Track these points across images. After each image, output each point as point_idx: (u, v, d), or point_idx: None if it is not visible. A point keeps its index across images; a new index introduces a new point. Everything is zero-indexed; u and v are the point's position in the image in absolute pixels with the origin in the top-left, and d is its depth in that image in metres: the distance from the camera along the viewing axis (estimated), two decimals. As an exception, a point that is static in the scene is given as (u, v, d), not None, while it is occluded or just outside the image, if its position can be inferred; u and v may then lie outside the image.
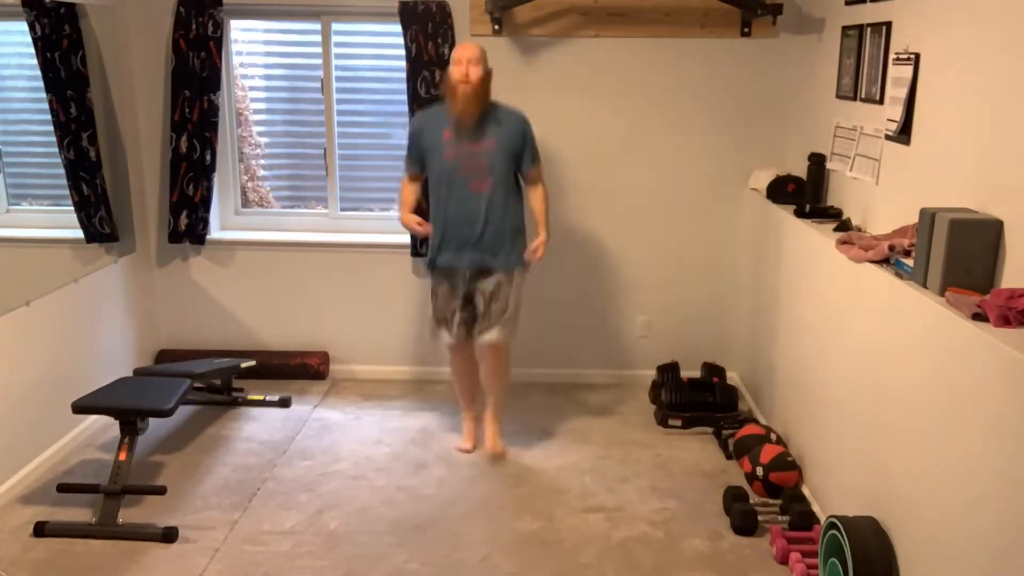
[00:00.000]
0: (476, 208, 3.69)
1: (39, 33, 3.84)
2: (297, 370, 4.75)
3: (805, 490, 3.53)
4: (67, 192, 4.09)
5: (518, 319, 3.83)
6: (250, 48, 4.79)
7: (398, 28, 4.42)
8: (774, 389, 4.05)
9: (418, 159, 3.80)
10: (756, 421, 4.10)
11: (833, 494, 3.25)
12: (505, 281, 3.75)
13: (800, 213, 3.75)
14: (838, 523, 2.73)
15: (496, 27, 4.40)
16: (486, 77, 3.64)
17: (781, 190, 4.10)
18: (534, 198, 3.83)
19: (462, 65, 3.60)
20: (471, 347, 3.90)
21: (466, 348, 3.91)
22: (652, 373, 4.68)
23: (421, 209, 3.91)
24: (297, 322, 4.83)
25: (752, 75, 4.44)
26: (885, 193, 3.23)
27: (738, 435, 3.89)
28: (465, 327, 3.83)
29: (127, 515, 3.38)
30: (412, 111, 4.42)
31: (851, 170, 3.53)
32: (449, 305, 3.82)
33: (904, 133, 3.04)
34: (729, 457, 3.93)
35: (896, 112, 3.09)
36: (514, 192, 3.78)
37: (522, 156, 3.74)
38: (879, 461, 2.81)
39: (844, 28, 3.68)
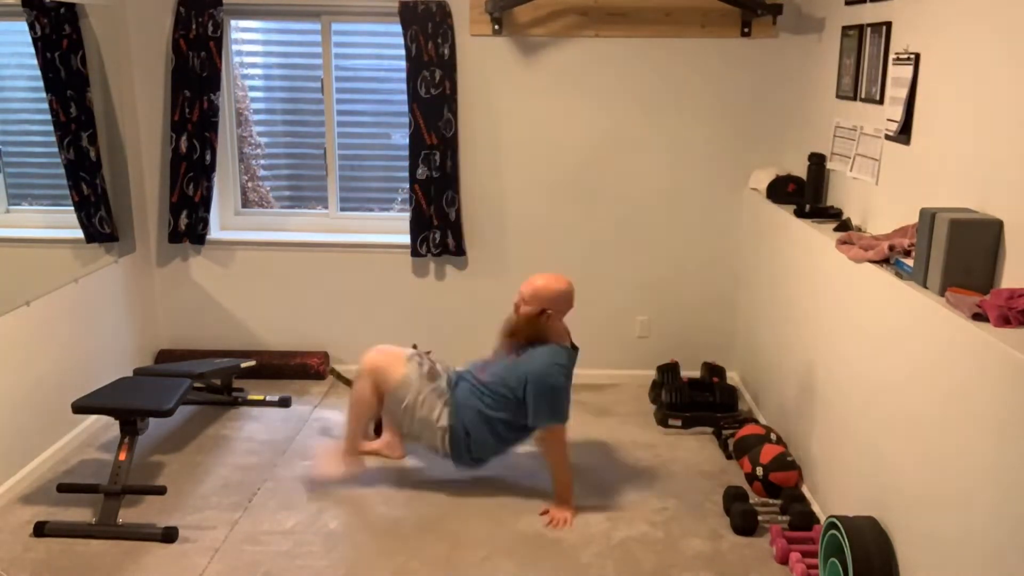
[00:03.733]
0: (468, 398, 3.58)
1: (39, 33, 3.84)
2: (297, 370, 4.75)
3: (805, 490, 3.53)
4: (67, 192, 4.09)
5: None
6: (250, 48, 4.79)
7: (398, 28, 4.42)
8: (774, 389, 4.05)
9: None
10: (756, 421, 4.10)
11: (833, 494, 3.25)
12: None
13: (800, 213, 3.75)
14: (838, 523, 2.73)
15: (496, 27, 4.40)
16: (533, 317, 3.47)
17: (781, 190, 4.10)
18: (543, 449, 3.57)
19: (518, 296, 3.53)
20: None
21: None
22: (652, 373, 4.68)
23: None
24: (297, 322, 4.83)
25: (752, 75, 4.44)
26: (885, 193, 3.23)
27: (738, 435, 3.89)
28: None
29: (127, 515, 3.38)
30: (412, 111, 4.43)
31: (851, 170, 3.53)
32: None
33: (904, 133, 3.04)
34: (729, 457, 3.93)
35: (896, 112, 3.09)
36: (512, 418, 3.53)
37: (528, 407, 3.46)
38: (879, 461, 2.81)
39: (844, 28, 3.68)
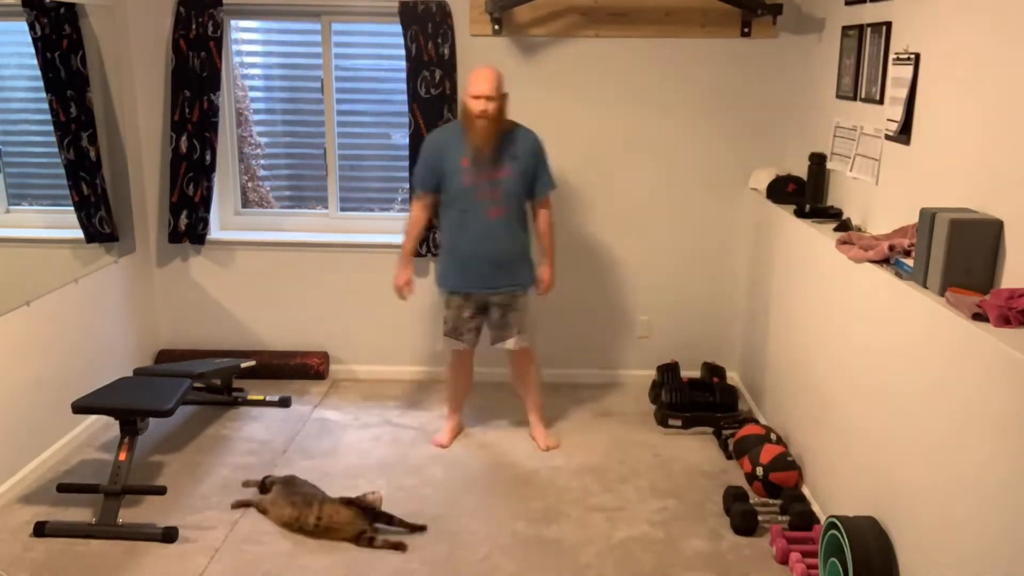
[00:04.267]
0: (491, 234, 3.78)
1: (39, 33, 3.84)
2: (297, 370, 4.75)
3: (805, 490, 3.53)
4: (67, 192, 4.09)
5: (531, 325, 4.00)
6: (250, 48, 4.79)
7: (398, 28, 4.42)
8: (774, 389, 4.05)
9: (435, 180, 3.81)
10: (756, 421, 4.10)
11: (833, 494, 3.25)
12: (521, 295, 3.90)
13: (800, 213, 3.75)
14: (838, 523, 2.73)
15: (496, 27, 4.40)
16: (502, 106, 3.67)
17: (781, 190, 4.10)
18: (542, 222, 3.91)
19: (480, 101, 3.61)
20: (472, 354, 4.04)
21: (469, 354, 4.03)
22: (652, 373, 4.68)
23: (429, 227, 4.08)
24: (297, 322, 4.83)
25: (752, 75, 4.44)
26: (885, 193, 3.23)
27: (738, 435, 3.89)
28: (475, 333, 3.96)
29: (127, 515, 3.38)
30: (412, 111, 4.43)
31: (851, 170, 3.53)
32: (461, 316, 3.90)
33: (904, 133, 3.04)
34: (729, 457, 3.93)
35: (896, 112, 3.09)
36: (524, 215, 3.87)
37: (536, 181, 3.82)
38: (879, 461, 2.81)
39: (844, 28, 3.68)
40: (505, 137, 3.73)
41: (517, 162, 3.74)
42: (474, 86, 3.63)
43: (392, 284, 3.96)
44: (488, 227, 3.76)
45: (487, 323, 3.95)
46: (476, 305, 3.89)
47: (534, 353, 4.09)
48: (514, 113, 4.51)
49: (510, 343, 3.90)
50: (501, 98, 3.67)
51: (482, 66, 3.73)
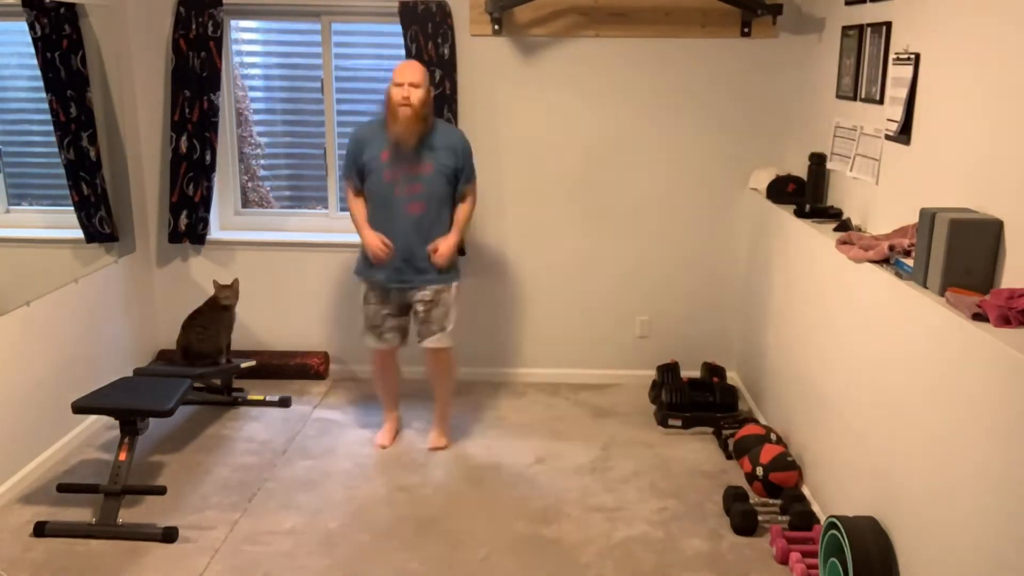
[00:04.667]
0: (411, 229, 3.71)
1: (39, 33, 3.84)
2: (297, 370, 4.75)
3: (805, 490, 3.53)
4: (67, 192, 4.09)
5: (456, 325, 3.88)
6: (250, 48, 4.79)
7: (398, 28, 4.42)
8: (774, 389, 4.05)
9: (358, 174, 3.78)
10: (756, 421, 4.10)
11: (833, 494, 3.25)
12: (444, 291, 3.81)
13: (800, 213, 3.75)
14: (838, 523, 2.73)
15: (496, 27, 4.40)
16: (427, 99, 3.65)
17: (781, 190, 4.10)
18: (460, 209, 3.83)
19: (403, 87, 3.58)
20: (396, 353, 3.99)
21: (391, 354, 3.97)
22: (652, 373, 4.68)
23: None
24: (297, 322, 4.83)
25: (752, 75, 4.44)
26: (885, 193, 3.23)
27: (738, 435, 3.89)
28: (397, 333, 3.90)
29: (127, 515, 3.38)
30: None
31: (851, 170, 3.53)
32: (379, 313, 3.84)
33: (904, 133, 3.04)
34: (729, 457, 3.93)
35: (896, 112, 3.09)
36: (449, 209, 3.80)
37: (458, 177, 3.77)
38: (879, 461, 2.81)
39: (844, 28, 3.68)
40: (428, 133, 3.67)
41: (438, 156, 3.68)
42: (399, 74, 3.60)
43: (371, 253, 3.73)
44: (407, 223, 3.70)
45: (414, 320, 3.87)
46: (397, 304, 3.82)
47: (453, 356, 3.98)
48: (514, 112, 4.54)
49: (437, 339, 3.81)
50: (427, 90, 3.64)
51: (407, 61, 3.71)
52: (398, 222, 3.71)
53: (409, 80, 3.58)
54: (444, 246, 3.74)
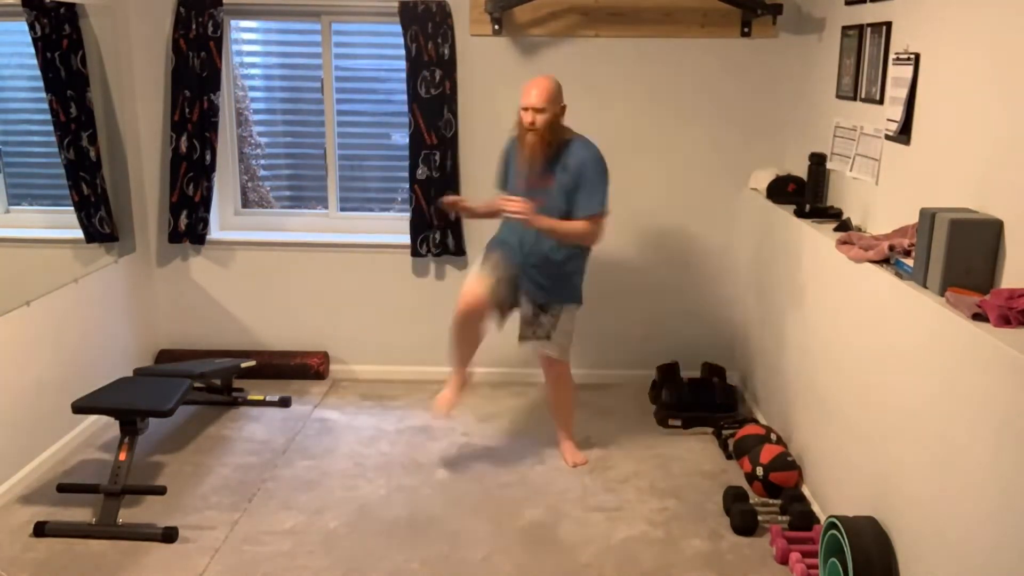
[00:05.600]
0: (532, 236, 3.62)
1: (39, 33, 3.84)
2: (297, 370, 4.75)
3: (805, 490, 3.53)
4: (67, 192, 4.09)
5: (569, 344, 3.79)
6: (250, 48, 4.79)
7: (398, 28, 4.42)
8: (774, 389, 4.05)
9: (504, 180, 3.81)
10: (756, 421, 4.10)
11: (833, 494, 3.25)
12: (556, 303, 3.71)
13: (800, 213, 3.75)
14: (838, 523, 2.73)
15: (496, 27, 4.40)
16: (554, 120, 3.54)
17: (781, 190, 4.10)
18: (574, 221, 3.63)
19: (528, 113, 3.52)
20: (485, 314, 3.69)
21: (480, 312, 3.66)
22: (652, 373, 4.68)
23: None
24: (297, 322, 4.83)
25: (752, 75, 4.44)
26: (885, 193, 3.23)
27: (738, 435, 3.89)
28: (500, 286, 3.67)
29: (127, 515, 3.38)
30: (412, 111, 4.43)
31: (851, 170, 3.53)
32: (496, 265, 3.68)
33: (904, 133, 3.04)
34: (729, 457, 3.93)
35: (896, 112, 3.09)
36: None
37: (577, 197, 3.58)
38: (879, 461, 2.81)
39: (844, 28, 3.68)
40: (561, 150, 3.58)
41: (563, 175, 3.58)
42: (524, 96, 3.53)
43: (500, 208, 3.59)
44: (531, 233, 3.61)
45: (520, 312, 3.76)
46: (511, 277, 3.67)
47: (567, 373, 3.88)
48: (514, 112, 4.52)
49: (534, 344, 3.74)
50: (553, 113, 3.53)
51: (540, 76, 3.61)
52: (524, 232, 3.62)
53: (533, 105, 3.49)
54: (518, 203, 3.49)
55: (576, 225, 3.60)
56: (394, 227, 4.81)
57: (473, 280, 3.70)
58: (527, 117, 3.53)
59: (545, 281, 3.69)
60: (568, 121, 4.53)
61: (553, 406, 4.00)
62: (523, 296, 3.73)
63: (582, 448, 4.00)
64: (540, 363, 3.89)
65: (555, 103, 3.54)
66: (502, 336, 4.78)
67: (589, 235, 3.64)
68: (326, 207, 4.88)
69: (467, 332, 3.73)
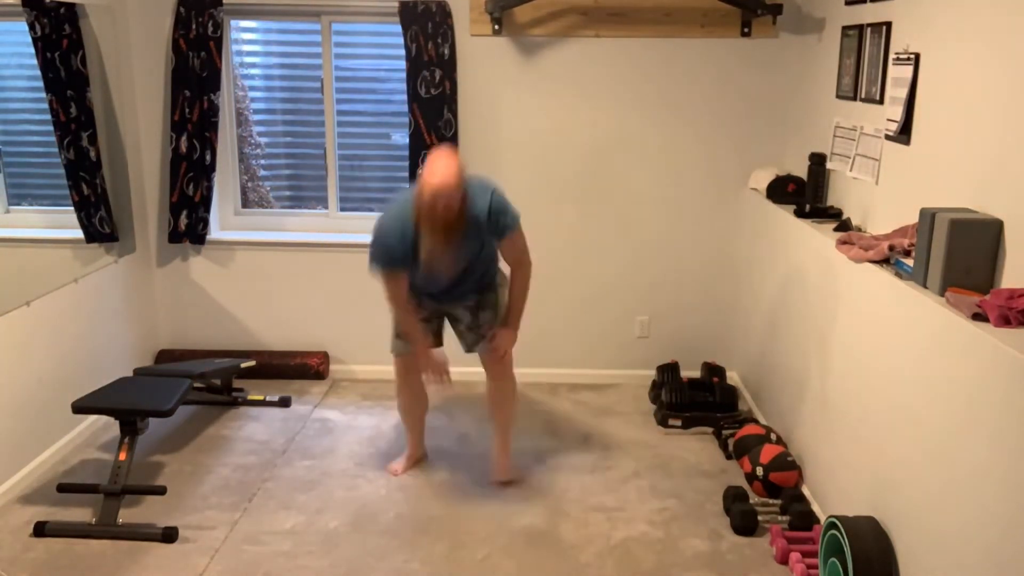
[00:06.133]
0: (447, 284, 3.42)
1: (39, 33, 3.84)
2: (297, 370, 4.75)
3: (805, 490, 3.53)
4: (67, 192, 4.09)
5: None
6: (250, 48, 4.79)
7: (398, 28, 4.42)
8: (774, 389, 4.05)
9: (403, 259, 3.30)
10: (756, 421, 4.10)
11: (833, 494, 3.25)
12: (491, 294, 3.51)
13: (800, 213, 3.75)
14: (838, 523, 2.73)
15: (496, 27, 4.40)
16: (462, 205, 3.13)
17: (781, 190, 4.10)
18: (513, 284, 3.43)
19: (437, 205, 3.07)
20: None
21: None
22: (652, 373, 4.68)
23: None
24: (297, 322, 4.83)
25: (752, 75, 4.44)
26: (885, 193, 3.23)
27: (738, 435, 3.89)
28: (432, 335, 3.57)
29: (127, 515, 3.38)
30: (412, 111, 4.43)
31: (851, 170, 3.53)
32: (418, 311, 3.52)
33: (904, 133, 3.04)
34: (729, 457, 3.93)
35: (896, 112, 3.09)
36: (497, 261, 3.49)
37: (494, 236, 3.31)
38: (879, 461, 2.81)
39: (844, 28, 3.68)
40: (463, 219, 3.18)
41: (470, 233, 3.24)
42: (430, 189, 3.06)
43: (426, 378, 3.44)
44: (443, 282, 3.40)
45: (456, 331, 3.57)
46: (432, 310, 3.54)
47: (513, 376, 3.64)
48: (514, 112, 4.53)
49: (484, 344, 3.50)
50: (461, 197, 3.12)
51: (441, 153, 3.17)
52: (435, 283, 3.41)
53: (444, 196, 3.06)
54: (503, 340, 3.43)
55: (521, 286, 3.42)
56: (394, 227, 4.81)
57: (399, 351, 3.60)
58: (440, 205, 3.06)
59: (474, 298, 3.49)
60: (568, 121, 4.55)
61: (504, 411, 3.67)
62: (455, 313, 3.54)
63: (582, 447, 4.01)
64: (485, 361, 3.59)
65: (460, 187, 3.11)
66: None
67: (526, 272, 3.42)
68: (326, 207, 4.87)
69: (413, 384, 3.60)
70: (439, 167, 3.09)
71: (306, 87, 4.75)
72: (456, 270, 3.37)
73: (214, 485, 3.67)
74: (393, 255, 3.29)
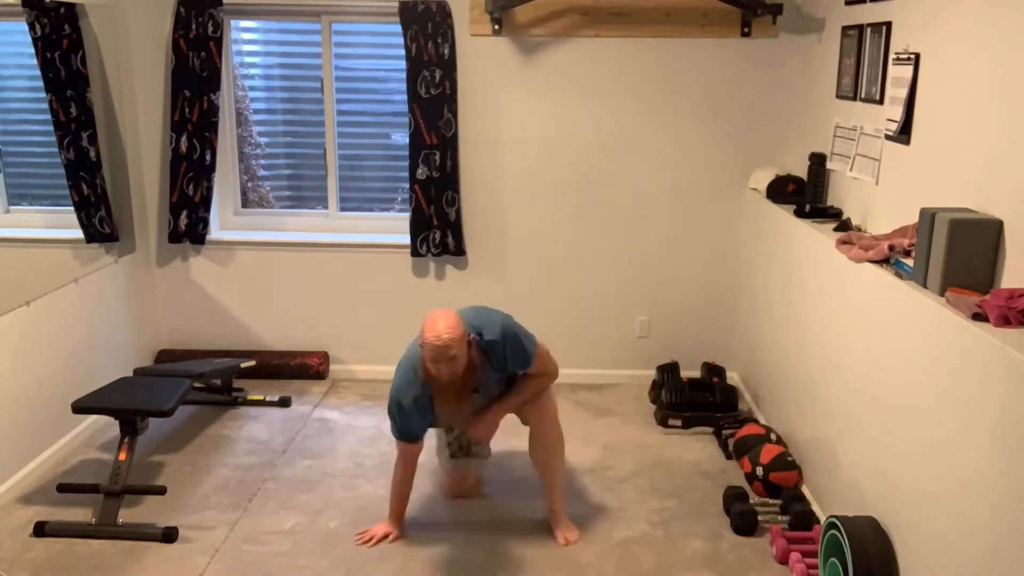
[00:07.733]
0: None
1: (39, 33, 3.84)
2: (297, 370, 4.75)
3: (805, 490, 3.53)
4: (67, 192, 4.09)
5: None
6: (250, 48, 4.79)
7: (398, 28, 4.42)
8: (774, 389, 4.05)
9: (425, 425, 3.21)
10: (756, 421, 4.10)
11: (833, 494, 3.25)
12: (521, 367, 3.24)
13: (800, 213, 3.75)
14: (838, 523, 2.73)
15: (496, 27, 4.40)
16: (469, 358, 3.00)
17: (781, 190, 4.10)
18: (531, 377, 3.25)
19: (440, 365, 2.93)
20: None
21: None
22: (652, 373, 4.68)
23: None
24: (297, 322, 4.83)
25: (752, 75, 4.44)
26: (885, 193, 3.23)
27: (738, 435, 3.89)
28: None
29: (127, 515, 3.38)
30: (412, 111, 4.43)
31: (851, 170, 3.53)
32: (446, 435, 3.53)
33: (904, 133, 3.04)
34: (729, 457, 3.93)
35: (896, 112, 3.09)
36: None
37: (510, 366, 3.17)
38: (879, 461, 2.81)
39: (844, 28, 3.68)
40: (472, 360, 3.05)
41: (486, 381, 3.16)
42: (430, 350, 2.91)
43: (375, 531, 3.30)
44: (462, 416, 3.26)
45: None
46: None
47: (555, 410, 3.37)
48: (514, 112, 4.53)
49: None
50: (462, 350, 2.95)
51: (440, 314, 2.96)
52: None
53: (446, 356, 2.91)
54: (479, 429, 3.27)
55: (532, 381, 3.25)
56: (394, 227, 4.82)
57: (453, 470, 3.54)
58: (443, 372, 2.94)
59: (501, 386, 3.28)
60: (568, 121, 4.55)
61: (552, 463, 3.34)
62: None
63: (582, 447, 4.00)
64: (526, 418, 3.39)
65: (464, 340, 2.95)
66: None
67: (550, 380, 3.30)
68: (326, 207, 4.88)
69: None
70: (437, 325, 2.92)
71: (306, 87, 4.75)
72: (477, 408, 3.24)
73: (214, 485, 3.67)
74: (411, 431, 3.18)
